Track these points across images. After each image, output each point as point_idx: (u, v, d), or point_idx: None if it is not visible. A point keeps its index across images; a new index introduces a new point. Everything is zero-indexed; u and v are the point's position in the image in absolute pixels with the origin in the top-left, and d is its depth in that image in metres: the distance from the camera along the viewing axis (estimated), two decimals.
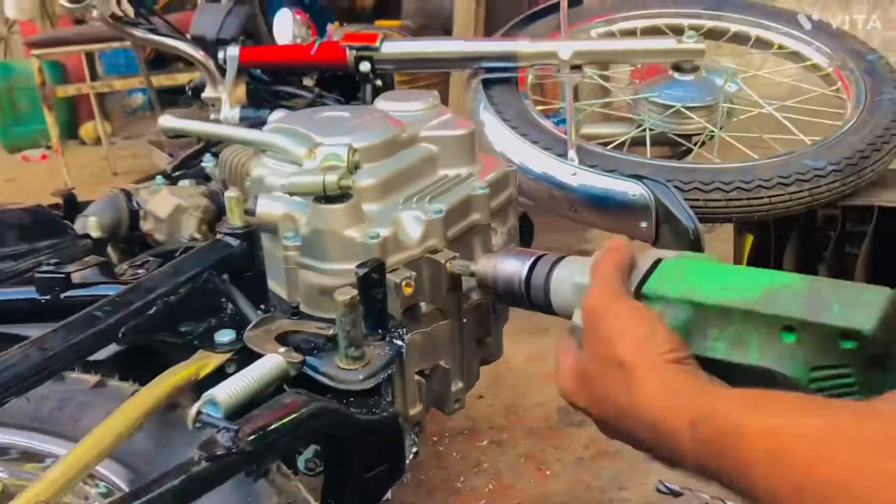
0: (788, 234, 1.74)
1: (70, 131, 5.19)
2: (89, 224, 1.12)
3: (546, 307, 0.84)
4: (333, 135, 1.00)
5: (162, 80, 3.45)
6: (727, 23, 2.01)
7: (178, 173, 1.34)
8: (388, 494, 1.32)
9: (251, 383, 0.71)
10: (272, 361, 0.76)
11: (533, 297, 0.85)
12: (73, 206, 1.22)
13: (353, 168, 0.94)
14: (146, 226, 1.18)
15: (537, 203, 1.64)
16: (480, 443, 1.42)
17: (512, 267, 0.87)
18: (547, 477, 1.30)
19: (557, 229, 2.44)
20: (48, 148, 5.10)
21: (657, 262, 0.67)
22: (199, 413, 0.67)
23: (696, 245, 1.47)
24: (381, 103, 1.16)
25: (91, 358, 0.87)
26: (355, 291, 0.84)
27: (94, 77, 3.91)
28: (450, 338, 1.03)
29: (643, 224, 1.53)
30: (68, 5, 1.57)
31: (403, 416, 1.00)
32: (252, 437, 0.65)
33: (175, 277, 0.84)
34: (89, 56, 3.96)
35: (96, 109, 4.19)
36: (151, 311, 0.80)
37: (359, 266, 0.87)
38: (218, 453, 0.62)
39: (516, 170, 1.15)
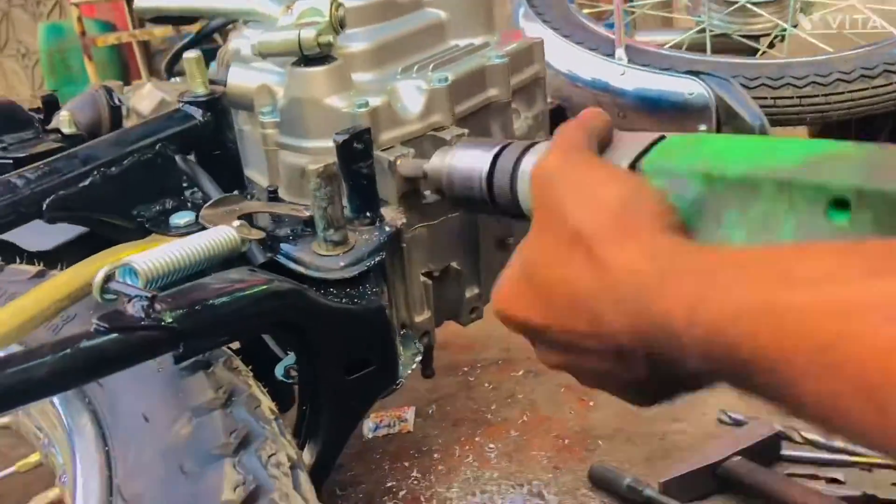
0: (874, 141, 1.51)
1: None
2: (60, 118, 1.00)
3: (514, 209, 0.60)
4: None
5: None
6: None
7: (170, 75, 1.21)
8: (410, 424, 1.19)
9: (186, 254, 0.57)
10: (219, 233, 0.61)
11: (498, 197, 0.61)
12: (53, 107, 1.10)
13: (338, 24, 0.78)
14: (128, 123, 1.05)
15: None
16: (515, 373, 1.26)
17: (470, 159, 0.64)
18: (590, 408, 1.14)
19: None
20: None
21: (661, 137, 0.49)
22: (109, 278, 0.53)
23: None
24: None
25: (35, 248, 0.75)
26: (332, 160, 0.69)
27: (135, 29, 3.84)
28: (462, 234, 0.87)
29: (702, 127, 1.34)
30: None
31: (408, 324, 0.85)
32: (176, 311, 0.50)
33: (118, 147, 0.71)
34: (131, 7, 3.88)
35: (142, 67, 4.13)
36: (86, 183, 0.67)
37: (338, 133, 0.72)
38: (122, 325, 0.48)
39: (543, 42, 0.97)
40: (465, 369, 1.29)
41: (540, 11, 1.60)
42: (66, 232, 0.77)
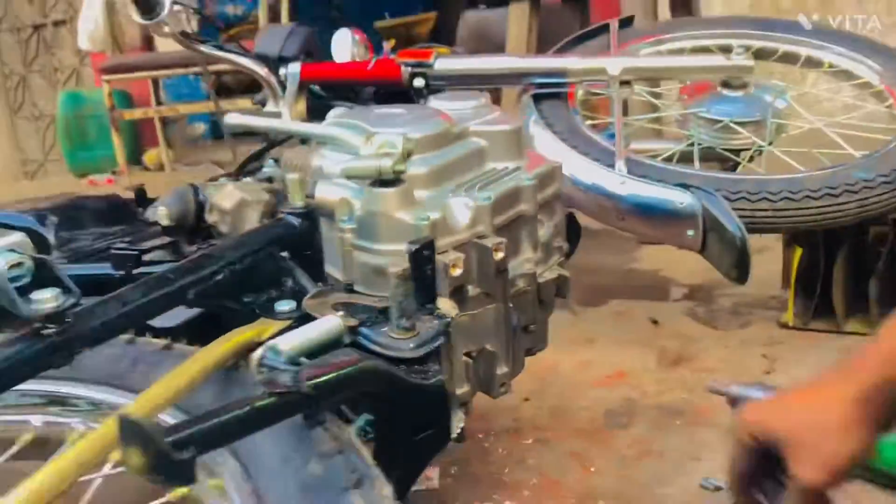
0: (838, 248, 1.74)
1: (134, 158, 5.40)
2: (159, 213, 1.19)
3: None
4: (388, 127, 1.06)
5: (224, 106, 3.58)
6: (776, 43, 2.03)
7: (241, 174, 1.41)
8: (435, 482, 1.36)
9: (311, 337, 0.76)
10: (331, 322, 0.81)
11: None
12: (143, 199, 1.30)
13: (407, 155, 0.99)
14: (211, 218, 1.25)
15: (586, 213, 1.68)
16: (525, 441, 1.44)
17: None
18: (592, 473, 1.32)
19: (602, 250, 2.46)
20: (113, 173, 5.32)
21: None
22: (262, 357, 0.72)
23: (743, 253, 1.48)
24: (434, 102, 1.22)
25: (162, 325, 0.94)
26: (407, 264, 0.89)
27: (159, 104, 4.08)
28: (496, 321, 1.06)
29: (690, 232, 1.55)
30: (141, 21, 1.66)
31: (451, 395, 1.03)
32: (311, 381, 0.69)
33: (241, 248, 0.90)
34: (155, 85, 4.15)
35: (160, 136, 4.36)
36: (219, 278, 0.86)
37: (411, 242, 0.92)
38: (279, 390, 0.66)
39: (562, 165, 1.19)
40: (480, 436, 1.47)
41: (550, 122, 1.83)
42: (184, 312, 0.96)
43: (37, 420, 0.86)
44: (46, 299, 0.71)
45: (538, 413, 1.53)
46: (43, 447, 0.85)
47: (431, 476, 1.34)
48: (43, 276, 0.76)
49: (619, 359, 1.76)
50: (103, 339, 0.76)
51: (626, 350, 1.81)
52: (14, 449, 0.83)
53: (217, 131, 6.34)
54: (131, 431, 0.56)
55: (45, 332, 0.71)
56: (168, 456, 0.55)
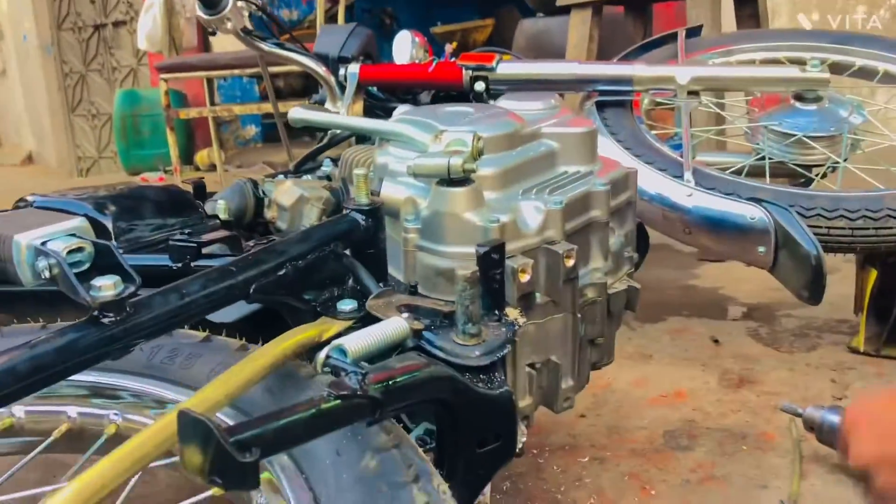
0: None
1: (186, 158, 5.47)
2: (218, 206, 1.17)
3: None
4: (458, 125, 1.02)
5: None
6: (853, 56, 1.95)
7: (299, 171, 1.38)
8: (487, 499, 1.30)
9: (377, 339, 0.72)
10: (397, 323, 0.77)
11: None
12: (202, 192, 1.28)
13: (477, 154, 0.95)
14: (269, 213, 1.22)
15: (650, 224, 1.61)
16: (582, 459, 1.38)
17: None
18: (652, 496, 1.25)
19: (662, 265, 2.40)
20: (165, 171, 5.40)
21: None
22: (328, 357, 0.68)
23: (817, 272, 1.41)
24: (504, 102, 1.17)
25: (220, 320, 0.91)
26: (475, 268, 0.85)
27: (213, 105, 4.11)
28: (562, 332, 1.01)
29: (761, 249, 1.49)
30: (204, 16, 1.65)
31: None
32: (377, 384, 0.65)
33: (305, 244, 0.86)
34: (210, 86, 4.17)
35: (214, 136, 4.40)
36: (281, 273, 0.82)
37: (480, 245, 0.88)
38: (346, 393, 0.62)
39: (637, 171, 1.13)
40: (535, 451, 1.41)
41: (613, 130, 1.78)
42: (242, 307, 0.93)
43: (72, 411, 0.83)
44: (106, 286, 0.68)
45: (595, 431, 1.47)
46: (78, 439, 0.83)
47: (483, 490, 1.29)
48: (103, 263, 0.73)
49: (677, 377, 1.70)
50: (161, 332, 0.73)
51: (686, 369, 1.74)
52: (48, 441, 0.80)
53: (268, 134, 6.42)
54: (192, 429, 0.52)
55: (104, 320, 0.68)
56: (232, 458, 0.51)
